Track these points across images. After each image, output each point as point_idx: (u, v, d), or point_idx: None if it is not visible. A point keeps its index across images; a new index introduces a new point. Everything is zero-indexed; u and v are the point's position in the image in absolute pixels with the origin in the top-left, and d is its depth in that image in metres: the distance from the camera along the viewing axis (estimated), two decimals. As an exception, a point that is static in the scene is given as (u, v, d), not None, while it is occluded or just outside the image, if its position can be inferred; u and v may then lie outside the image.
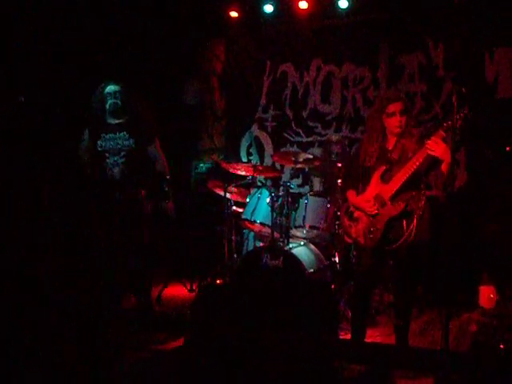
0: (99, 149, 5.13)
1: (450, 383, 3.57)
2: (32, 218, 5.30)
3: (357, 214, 4.36)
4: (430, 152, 3.99)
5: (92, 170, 5.17)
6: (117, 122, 5.16)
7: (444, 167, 4.00)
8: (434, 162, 4.07)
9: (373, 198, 4.24)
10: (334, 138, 6.60)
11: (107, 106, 5.12)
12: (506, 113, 6.22)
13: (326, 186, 6.50)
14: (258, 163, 7.58)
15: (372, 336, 4.89)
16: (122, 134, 5.12)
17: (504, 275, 5.36)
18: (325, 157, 6.60)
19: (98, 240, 5.11)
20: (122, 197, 5.05)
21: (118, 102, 5.12)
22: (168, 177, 5.26)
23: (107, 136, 5.14)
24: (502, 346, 4.21)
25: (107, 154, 5.10)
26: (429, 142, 3.99)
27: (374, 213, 4.23)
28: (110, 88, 5.15)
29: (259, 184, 6.99)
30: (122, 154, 5.12)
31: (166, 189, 5.22)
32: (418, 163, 4.08)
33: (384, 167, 4.25)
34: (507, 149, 6.01)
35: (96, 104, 5.17)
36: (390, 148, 4.31)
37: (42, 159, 5.57)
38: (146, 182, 5.20)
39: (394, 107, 4.23)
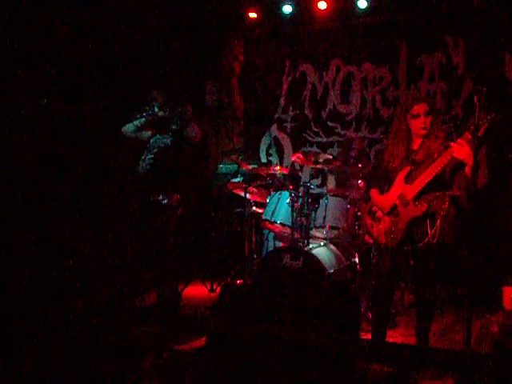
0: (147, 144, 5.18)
1: (471, 384, 3.57)
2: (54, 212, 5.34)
3: (379, 213, 4.35)
4: (455, 155, 3.97)
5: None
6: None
7: (468, 170, 3.98)
8: (458, 165, 4.05)
9: (395, 199, 4.23)
10: (355, 136, 6.61)
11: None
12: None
13: (340, 183, 6.52)
14: (278, 163, 7.61)
15: (393, 336, 4.89)
16: (165, 134, 5.15)
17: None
18: (342, 155, 6.61)
19: (123, 237, 5.15)
20: (153, 198, 5.06)
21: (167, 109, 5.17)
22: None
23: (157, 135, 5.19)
24: (523, 348, 4.19)
25: (146, 151, 5.16)
26: (454, 144, 3.97)
27: (386, 211, 4.24)
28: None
29: (279, 177, 6.92)
30: (154, 150, 5.14)
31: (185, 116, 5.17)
32: (442, 165, 4.06)
33: (408, 168, 4.23)
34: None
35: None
36: (415, 149, 4.29)
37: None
38: (181, 186, 5.19)
39: (418, 108, 4.21)
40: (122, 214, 5.36)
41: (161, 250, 5.10)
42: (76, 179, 5.53)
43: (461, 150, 3.93)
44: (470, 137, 3.91)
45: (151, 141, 5.18)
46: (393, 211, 4.24)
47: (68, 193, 5.36)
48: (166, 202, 5.05)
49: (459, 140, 3.94)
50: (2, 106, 5.06)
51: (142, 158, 5.15)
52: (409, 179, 4.22)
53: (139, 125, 5.16)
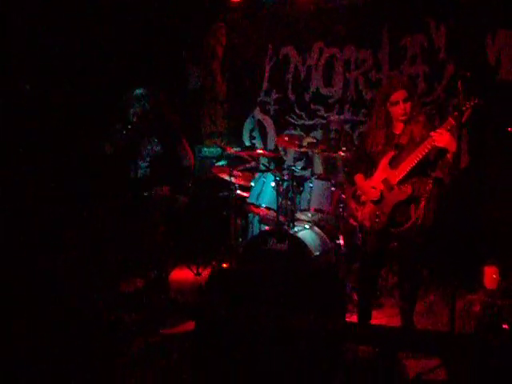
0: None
1: (456, 364, 3.63)
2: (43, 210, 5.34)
3: (364, 197, 4.40)
4: (435, 143, 4.03)
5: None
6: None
7: (450, 156, 4.05)
8: (440, 151, 4.11)
9: (379, 184, 4.28)
10: (333, 118, 6.65)
11: (136, 110, 5.19)
12: (508, 94, 6.23)
13: (325, 167, 6.57)
14: (261, 146, 7.64)
15: (378, 317, 4.95)
16: (153, 139, 5.20)
17: (508, 256, 5.39)
18: (325, 139, 6.65)
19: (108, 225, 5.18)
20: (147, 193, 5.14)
21: (146, 104, 5.18)
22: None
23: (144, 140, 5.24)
24: (505, 327, 4.26)
25: (139, 159, 5.22)
26: (434, 133, 4.03)
27: (375, 199, 4.28)
28: (137, 92, 5.21)
29: (263, 167, 7.02)
30: (148, 159, 5.19)
31: (190, 185, 5.30)
32: (423, 153, 4.12)
33: (392, 153, 4.29)
34: (509, 129, 6.02)
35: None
36: (398, 133, 4.35)
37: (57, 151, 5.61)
38: (171, 178, 5.26)
39: (397, 96, 4.26)
40: (110, 204, 5.38)
41: (148, 237, 5.14)
42: (63, 173, 5.53)
43: (441, 138, 4.00)
44: (453, 122, 3.96)
45: (141, 149, 5.23)
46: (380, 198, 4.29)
47: (57, 185, 5.36)
48: (154, 192, 5.11)
49: (439, 130, 4.00)
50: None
51: (137, 165, 5.20)
52: (393, 164, 4.27)
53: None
